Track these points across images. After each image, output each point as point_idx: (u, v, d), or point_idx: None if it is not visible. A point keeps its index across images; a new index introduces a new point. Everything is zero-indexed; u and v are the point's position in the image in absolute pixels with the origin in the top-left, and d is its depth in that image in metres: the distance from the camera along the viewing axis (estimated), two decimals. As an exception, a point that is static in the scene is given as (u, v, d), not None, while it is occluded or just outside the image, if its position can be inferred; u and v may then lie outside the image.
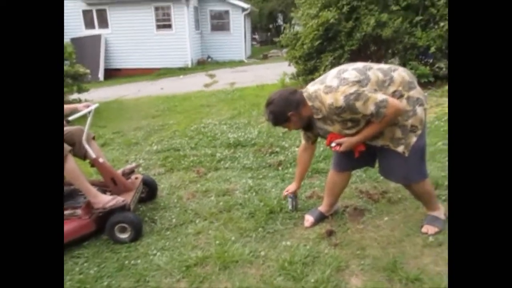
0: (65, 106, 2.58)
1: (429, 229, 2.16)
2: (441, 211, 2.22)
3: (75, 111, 2.50)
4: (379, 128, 1.94)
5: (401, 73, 1.95)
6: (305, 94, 2.02)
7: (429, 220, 2.21)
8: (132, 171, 2.88)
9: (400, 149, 1.99)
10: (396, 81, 1.92)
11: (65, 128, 2.58)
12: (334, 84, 1.89)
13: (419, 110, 1.94)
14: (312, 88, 2.01)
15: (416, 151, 2.00)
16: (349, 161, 2.24)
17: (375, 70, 1.94)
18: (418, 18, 5.79)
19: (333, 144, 2.09)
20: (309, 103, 2.00)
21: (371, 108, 1.83)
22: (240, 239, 2.29)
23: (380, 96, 1.84)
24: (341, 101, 1.84)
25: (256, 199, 2.76)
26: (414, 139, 1.98)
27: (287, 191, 2.51)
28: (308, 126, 2.14)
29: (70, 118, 2.34)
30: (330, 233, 2.24)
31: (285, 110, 2.01)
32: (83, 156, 2.59)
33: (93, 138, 2.71)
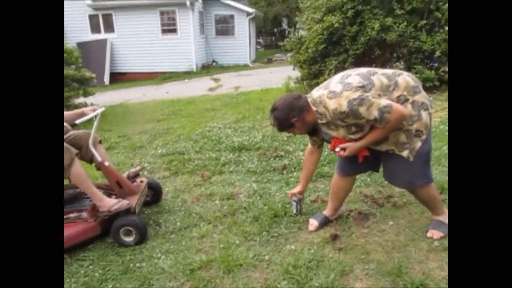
0: (73, 112, 2.62)
1: (434, 233, 2.15)
2: (447, 216, 2.21)
3: (82, 115, 2.53)
4: (383, 134, 1.94)
5: (405, 78, 1.95)
6: (309, 99, 2.03)
7: (434, 225, 2.20)
8: (137, 175, 2.90)
9: (405, 153, 1.99)
10: (401, 86, 1.92)
11: (72, 132, 2.62)
12: (337, 89, 1.90)
13: (424, 114, 1.94)
14: (316, 93, 2.02)
15: (420, 155, 1.99)
16: (353, 165, 2.24)
17: (379, 75, 1.94)
18: (423, 22, 5.78)
19: (337, 149, 2.09)
20: (314, 108, 2.01)
21: (374, 113, 1.84)
22: (244, 242, 2.29)
23: (384, 102, 1.84)
24: (344, 106, 1.85)
25: (260, 203, 2.77)
26: (419, 143, 1.97)
27: (292, 193, 2.52)
28: (313, 131, 2.14)
29: (77, 121, 2.36)
30: (335, 237, 2.24)
31: (289, 116, 2.02)
32: (90, 159, 2.61)
33: (100, 141, 2.73)
